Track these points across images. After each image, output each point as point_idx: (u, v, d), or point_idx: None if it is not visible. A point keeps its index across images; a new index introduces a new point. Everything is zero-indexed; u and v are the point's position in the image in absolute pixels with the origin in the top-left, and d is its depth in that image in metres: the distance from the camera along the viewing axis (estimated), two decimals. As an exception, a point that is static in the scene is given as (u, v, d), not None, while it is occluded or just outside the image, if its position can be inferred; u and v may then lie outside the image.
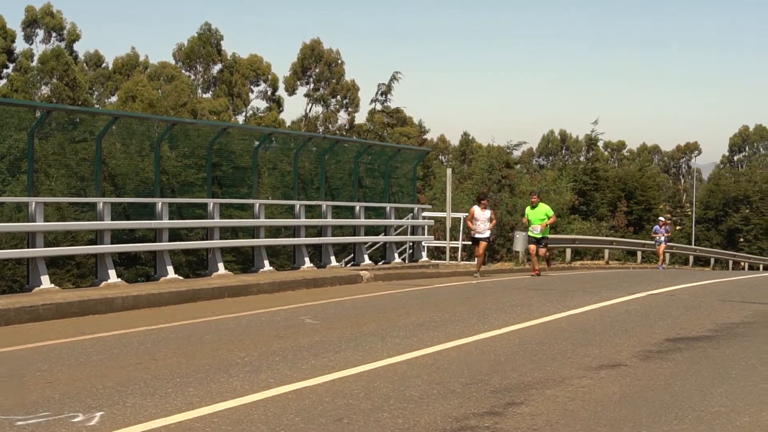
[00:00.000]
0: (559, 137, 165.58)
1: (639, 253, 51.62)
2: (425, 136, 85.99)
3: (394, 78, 78.74)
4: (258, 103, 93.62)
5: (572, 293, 21.78)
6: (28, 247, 20.14)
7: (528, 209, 30.64)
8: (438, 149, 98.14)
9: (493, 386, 10.15)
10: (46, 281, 19.63)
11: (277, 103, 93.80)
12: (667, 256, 49.54)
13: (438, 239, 39.33)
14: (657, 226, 45.98)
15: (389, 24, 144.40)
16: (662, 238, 44.64)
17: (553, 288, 23.55)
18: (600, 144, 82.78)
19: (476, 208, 29.01)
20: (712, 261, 62.16)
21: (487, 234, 28.92)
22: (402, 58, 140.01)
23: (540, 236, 30.19)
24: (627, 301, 19.98)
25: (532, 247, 30.30)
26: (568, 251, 44.64)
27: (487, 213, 28.85)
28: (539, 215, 30.09)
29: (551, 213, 30.46)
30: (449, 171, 36.33)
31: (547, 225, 30.25)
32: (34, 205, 19.92)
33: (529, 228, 30.37)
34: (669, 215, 49.62)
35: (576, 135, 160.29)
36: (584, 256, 50.22)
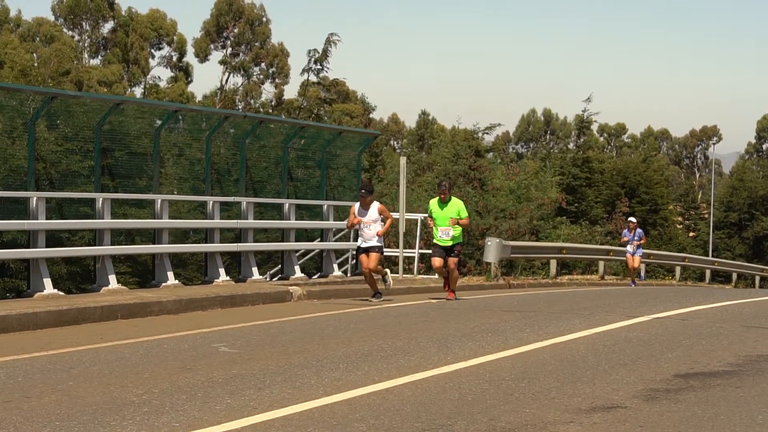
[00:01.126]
0: (542, 118, 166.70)
1: (642, 266, 51.97)
2: (372, 116, 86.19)
3: (329, 42, 78.37)
4: (160, 72, 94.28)
5: (558, 316, 21.89)
6: None
7: (434, 205, 26.83)
8: (389, 132, 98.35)
9: (456, 433, 10.21)
10: None
11: (184, 72, 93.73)
12: (643, 267, 49.14)
13: (389, 246, 39.42)
14: (626, 230, 44.26)
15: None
16: (634, 247, 42.99)
17: (534, 309, 23.68)
18: (594, 127, 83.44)
19: (356, 205, 26.22)
20: (735, 277, 62.67)
21: (375, 241, 25.94)
22: (342, 17, 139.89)
23: (451, 243, 26.62)
24: (627, 326, 20.10)
25: (438, 261, 26.75)
26: (553, 263, 44.82)
27: (374, 210, 25.86)
28: (450, 214, 26.39)
29: (466, 213, 26.77)
30: (403, 160, 36.36)
31: (455, 223, 26.35)
32: None
33: (436, 232, 26.68)
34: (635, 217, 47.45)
35: (564, 116, 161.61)
36: (573, 270, 50.55)
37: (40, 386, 12.83)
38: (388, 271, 27.05)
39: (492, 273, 38.28)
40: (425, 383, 13.05)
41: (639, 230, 43.72)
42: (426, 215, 27.65)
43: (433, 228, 26.70)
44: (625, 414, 11.27)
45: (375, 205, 25.92)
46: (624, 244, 43.98)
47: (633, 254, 42.93)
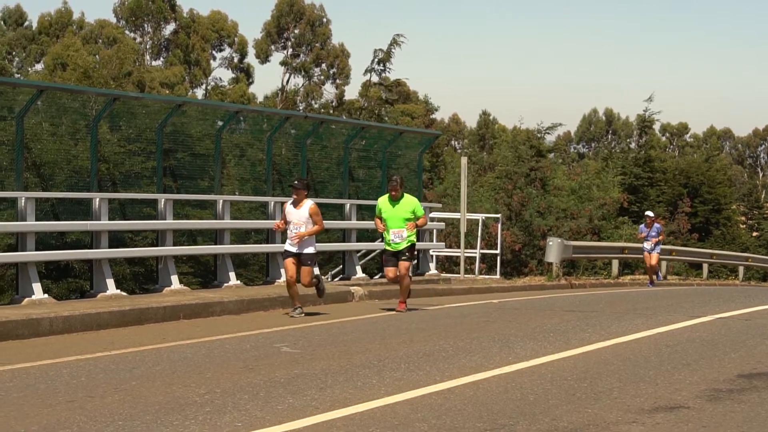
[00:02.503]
0: (603, 118, 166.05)
1: (705, 266, 51.65)
2: (434, 116, 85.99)
3: (394, 42, 78.19)
4: (222, 73, 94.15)
5: (620, 316, 21.80)
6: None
7: (384, 204, 23.01)
8: (450, 132, 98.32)
9: (518, 433, 10.19)
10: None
11: (245, 73, 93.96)
12: (663, 265, 46.28)
13: (450, 247, 39.38)
14: (643, 226, 39.97)
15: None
16: (652, 244, 38.63)
17: (596, 309, 23.60)
18: (656, 127, 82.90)
19: (288, 203, 22.34)
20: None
21: (306, 247, 21.97)
22: (404, 18, 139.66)
23: (404, 245, 22.83)
24: (689, 326, 19.99)
25: (392, 271, 23.19)
26: (615, 263, 44.67)
27: (304, 210, 21.80)
28: (403, 213, 22.75)
29: (422, 211, 23.18)
30: (464, 160, 36.27)
31: (417, 226, 23.23)
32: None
33: (387, 233, 22.91)
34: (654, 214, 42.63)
35: (625, 115, 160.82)
36: (635, 270, 50.27)
37: (104, 386, 12.91)
38: (322, 277, 23.78)
39: (554, 273, 38.15)
40: (487, 383, 13.03)
41: (657, 225, 39.53)
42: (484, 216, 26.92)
43: (384, 231, 22.96)
44: (688, 414, 11.21)
45: (308, 204, 21.81)
46: (640, 241, 39.84)
47: (651, 252, 38.65)
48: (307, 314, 21.71)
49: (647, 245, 38.68)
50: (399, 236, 22.56)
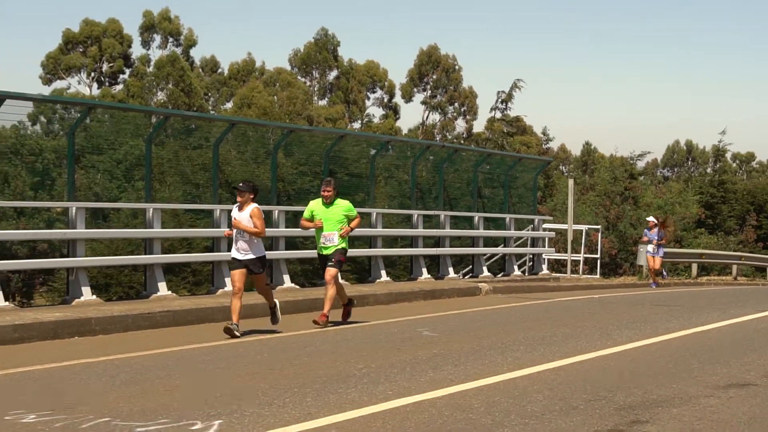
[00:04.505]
0: (684, 148, 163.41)
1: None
2: (547, 146, 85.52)
3: (515, 86, 78.16)
4: (374, 110, 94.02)
5: (699, 310, 21.51)
6: (145, 254, 20.54)
7: (317, 206, 17.96)
8: (559, 159, 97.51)
9: (616, 403, 10.10)
10: (163, 288, 20.03)
11: (393, 111, 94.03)
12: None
13: (558, 252, 39.09)
14: (646, 230, 34.80)
15: (509, 30, 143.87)
16: (655, 247, 33.91)
17: (679, 304, 23.30)
18: (728, 155, 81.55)
19: (235, 208, 16.74)
20: None
21: (250, 254, 16.38)
22: (522, 65, 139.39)
23: (334, 248, 17.73)
24: (756, 318, 19.70)
25: (330, 278, 17.67)
26: (694, 266, 44.28)
27: (247, 213, 16.35)
28: (336, 216, 17.77)
29: (354, 212, 18.06)
30: (571, 182, 36.07)
31: (350, 229, 17.89)
32: (151, 212, 20.32)
33: (318, 238, 17.98)
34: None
35: (703, 146, 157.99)
36: (711, 272, 49.57)
37: (282, 361, 13.07)
38: (277, 302, 17.26)
39: (643, 274, 37.77)
40: (590, 363, 12.95)
41: (659, 231, 34.03)
42: (589, 228, 25.93)
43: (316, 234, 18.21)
44: (756, 390, 11.05)
45: (251, 207, 16.34)
46: (645, 244, 35.15)
47: (654, 255, 33.94)
48: (439, 308, 21.75)
49: (650, 248, 34.11)
50: (330, 240, 17.62)
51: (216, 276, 21.68)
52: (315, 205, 17.85)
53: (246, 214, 16.21)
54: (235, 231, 16.38)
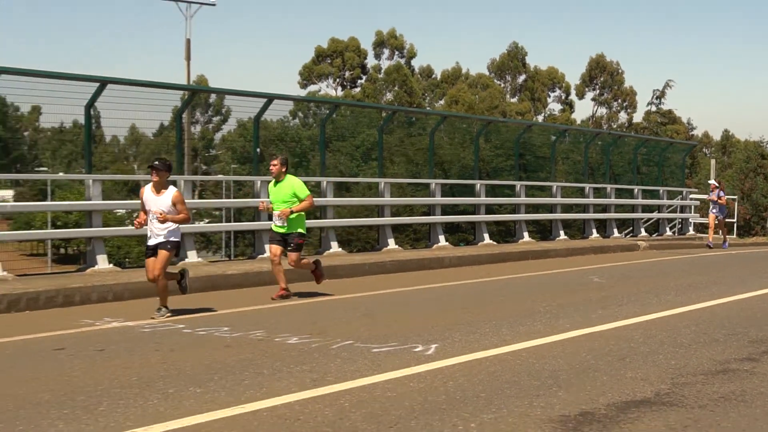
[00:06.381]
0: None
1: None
2: (692, 133, 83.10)
3: (667, 85, 76.66)
4: (554, 106, 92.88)
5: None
6: (378, 216, 20.85)
7: (271, 185, 13.63)
8: (702, 143, 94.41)
9: (750, 337, 9.78)
10: (392, 243, 20.27)
11: (569, 106, 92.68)
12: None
13: (702, 217, 37.83)
14: (710, 192, 28.58)
15: (664, 37, 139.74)
16: (716, 208, 27.54)
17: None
18: None
19: (146, 188, 11.60)
20: None
21: (164, 236, 11.40)
22: (674, 64, 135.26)
23: (286, 229, 13.29)
24: None
25: (272, 247, 13.41)
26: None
27: (167, 198, 11.39)
28: (282, 196, 13.29)
29: (305, 193, 13.30)
30: (713, 161, 35.02)
31: (297, 211, 13.19)
32: (382, 185, 20.53)
33: (273, 217, 13.46)
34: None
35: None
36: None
37: (481, 299, 13.14)
38: (187, 270, 12.20)
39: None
40: (728, 305, 12.57)
41: (720, 191, 27.67)
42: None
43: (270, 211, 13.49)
44: None
45: (170, 192, 11.39)
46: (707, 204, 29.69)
47: (716, 214, 27.50)
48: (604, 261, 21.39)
49: (713, 209, 27.65)
50: (279, 220, 13.17)
51: (432, 233, 21.81)
52: (271, 184, 13.58)
53: (166, 200, 11.35)
54: (148, 215, 11.47)
